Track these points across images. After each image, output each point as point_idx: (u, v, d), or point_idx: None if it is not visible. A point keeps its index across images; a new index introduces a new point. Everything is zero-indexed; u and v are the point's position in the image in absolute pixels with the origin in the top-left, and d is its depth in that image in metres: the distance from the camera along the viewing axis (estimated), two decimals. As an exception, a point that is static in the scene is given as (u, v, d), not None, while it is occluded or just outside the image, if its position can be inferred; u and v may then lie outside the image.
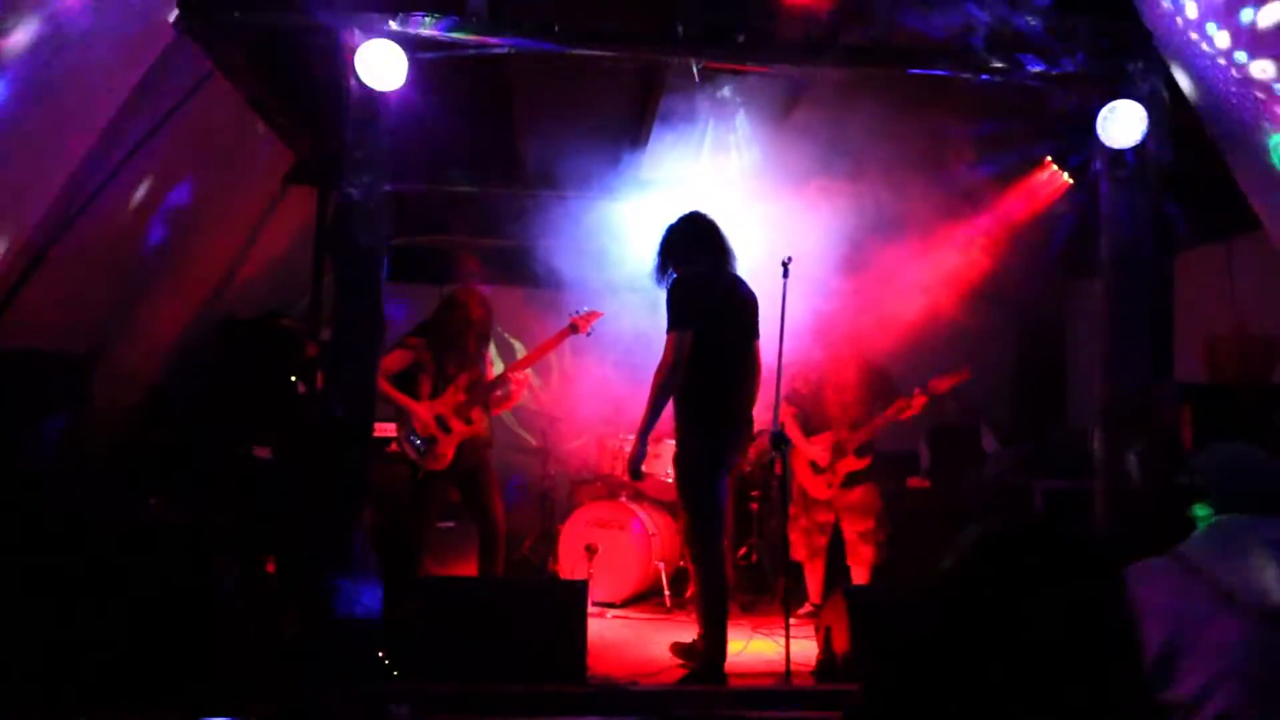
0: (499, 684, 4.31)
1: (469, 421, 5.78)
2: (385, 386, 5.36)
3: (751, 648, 5.45)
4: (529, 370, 6.22)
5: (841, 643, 4.79)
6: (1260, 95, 4.36)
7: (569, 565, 6.58)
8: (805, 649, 4.98)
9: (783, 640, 4.79)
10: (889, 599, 4.88)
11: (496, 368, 6.31)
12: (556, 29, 4.58)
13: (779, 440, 4.99)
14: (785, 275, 4.96)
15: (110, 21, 4.20)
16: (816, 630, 5.19)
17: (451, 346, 5.79)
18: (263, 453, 6.32)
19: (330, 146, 6.28)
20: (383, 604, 4.57)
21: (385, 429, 5.91)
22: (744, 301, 4.98)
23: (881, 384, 6.22)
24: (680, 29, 4.64)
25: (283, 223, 7.03)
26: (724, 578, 4.85)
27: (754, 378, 5.01)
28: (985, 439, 8.08)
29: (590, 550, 6.47)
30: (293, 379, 6.01)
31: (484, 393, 5.87)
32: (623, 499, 6.90)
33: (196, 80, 4.98)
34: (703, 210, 5.05)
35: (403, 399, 5.65)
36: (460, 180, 6.24)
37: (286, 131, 6.12)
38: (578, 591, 4.74)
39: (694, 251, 4.93)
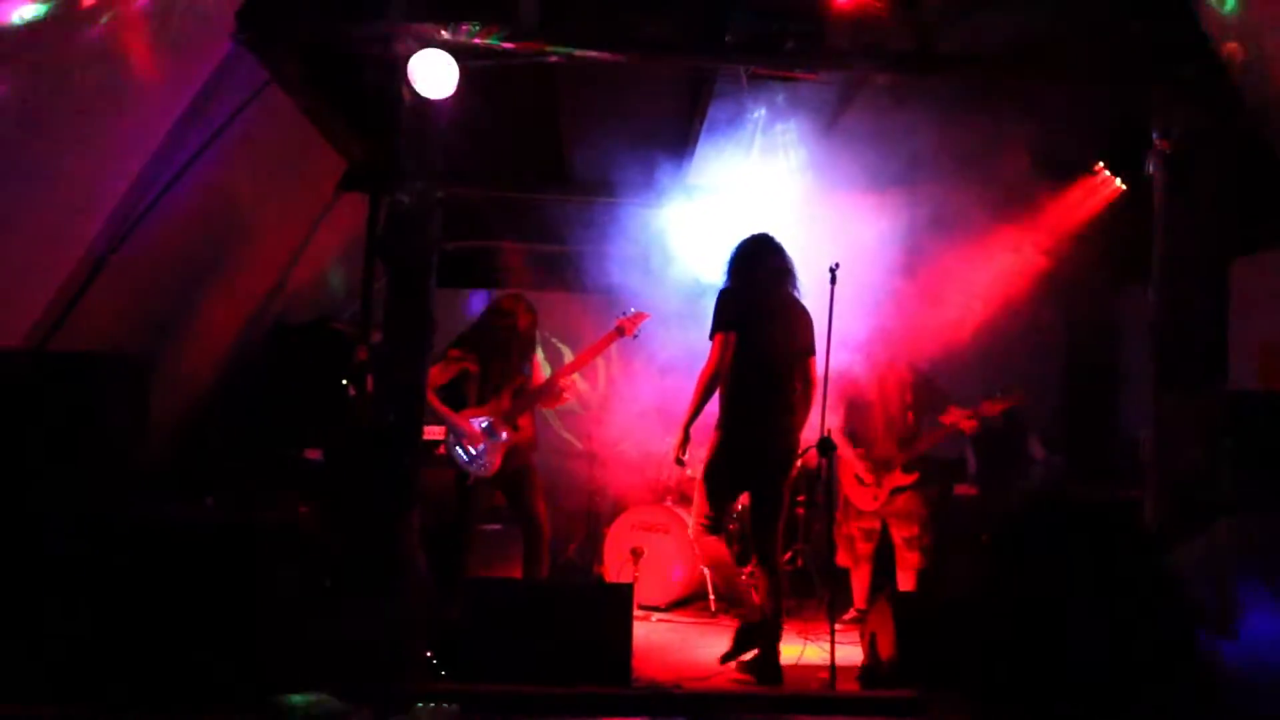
0: (544, 685, 4.36)
1: (516, 428, 5.82)
2: (431, 399, 5.34)
3: (807, 654, 5.43)
4: (576, 374, 6.25)
5: (887, 648, 4.78)
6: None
7: (614, 568, 6.62)
8: (850, 654, 4.99)
9: (823, 646, 4.87)
10: (933, 605, 4.88)
11: (545, 371, 6.33)
12: (605, 38, 4.62)
13: (826, 445, 5.01)
14: (833, 281, 4.96)
15: (170, 32, 4.32)
16: (861, 636, 5.18)
17: (497, 354, 5.82)
18: (314, 455, 6.44)
19: (381, 154, 6.44)
20: (431, 605, 4.64)
21: (433, 432, 5.98)
22: (793, 318, 5.08)
23: (930, 395, 6.21)
24: (729, 37, 4.66)
25: (334, 229, 7.14)
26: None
27: (796, 395, 5.07)
28: (1033, 446, 8.00)
29: (636, 554, 6.52)
30: (344, 383, 6.09)
31: (531, 399, 5.91)
32: (668, 503, 6.92)
33: (253, 91, 5.08)
34: (769, 233, 5.18)
35: (449, 413, 5.69)
36: (509, 186, 6.28)
37: (339, 139, 6.23)
38: (623, 595, 4.77)
39: (750, 267, 5.09)
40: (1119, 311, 8.51)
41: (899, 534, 6.20)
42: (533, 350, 6.07)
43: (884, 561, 6.32)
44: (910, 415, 6.18)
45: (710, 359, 4.95)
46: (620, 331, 5.98)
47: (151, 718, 3.68)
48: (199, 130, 4.92)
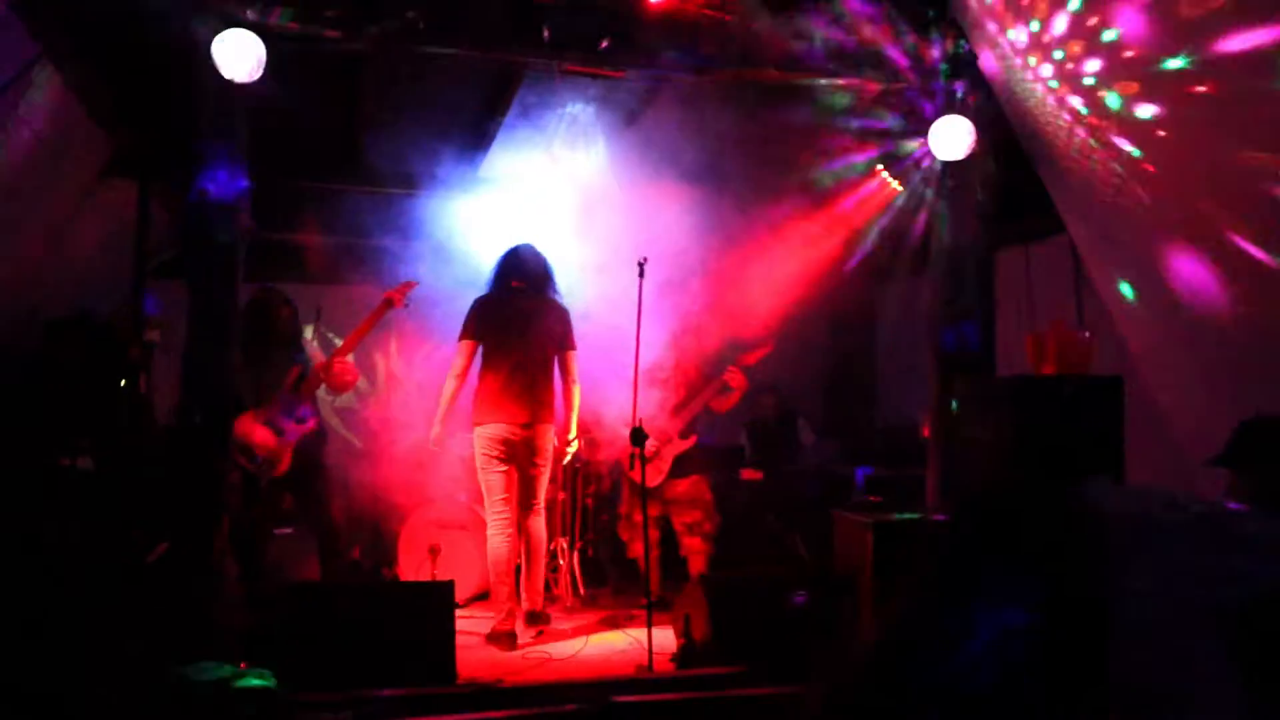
0: (371, 689, 4.24)
1: (301, 420, 5.64)
2: None
3: (593, 641, 5.62)
4: (350, 355, 6.00)
5: (700, 629, 4.97)
6: (1068, 118, 4.84)
7: (411, 567, 6.48)
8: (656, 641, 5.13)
9: (627, 632, 5.44)
10: (744, 584, 5.10)
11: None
12: (422, 26, 4.54)
13: (638, 435, 5.15)
14: (641, 275, 5.13)
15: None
16: (673, 621, 5.35)
17: (262, 351, 5.61)
18: (83, 463, 5.93)
19: (153, 137, 6.02)
20: (242, 615, 4.41)
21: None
22: (545, 321, 5.64)
23: (709, 368, 6.33)
24: (546, 33, 4.69)
25: (96, 218, 6.59)
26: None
27: (552, 391, 5.70)
28: (803, 431, 8.50)
29: (434, 551, 6.41)
30: (121, 383, 5.65)
31: (312, 386, 5.73)
32: (463, 498, 6.85)
33: (22, 65, 4.63)
34: (528, 243, 5.73)
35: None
36: (303, 175, 6.02)
37: (107, 120, 5.75)
38: (446, 592, 4.72)
39: (502, 275, 5.71)
40: (875, 304, 9.18)
41: (681, 520, 6.27)
42: (299, 340, 5.91)
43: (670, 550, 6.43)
44: (687, 390, 6.28)
45: (453, 362, 5.66)
46: (389, 303, 5.90)
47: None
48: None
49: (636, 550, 6.43)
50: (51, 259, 6.41)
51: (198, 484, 4.26)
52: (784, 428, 8.38)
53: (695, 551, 6.30)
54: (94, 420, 5.72)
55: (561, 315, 5.70)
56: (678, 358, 6.19)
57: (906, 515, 4.44)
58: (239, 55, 4.31)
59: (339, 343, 6.05)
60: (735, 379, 6.12)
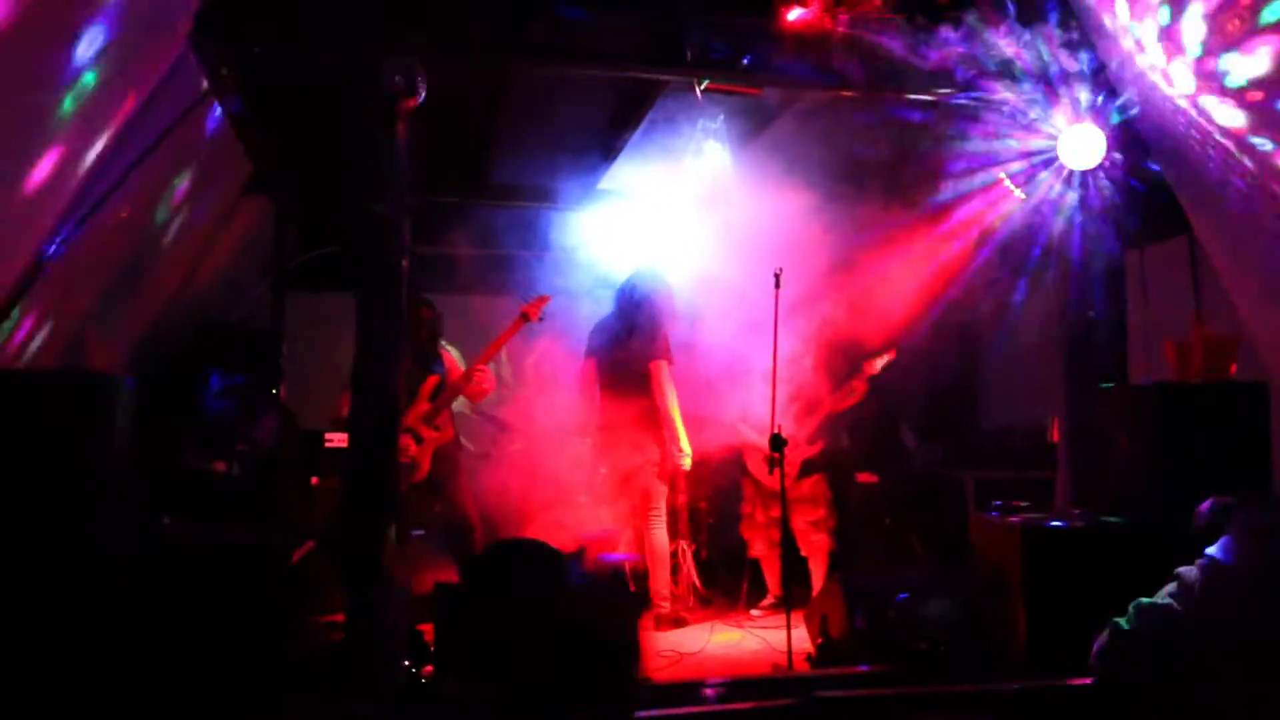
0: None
1: (437, 428, 5.85)
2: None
3: (716, 639, 5.80)
4: (491, 364, 6.23)
5: (838, 628, 5.08)
6: (1204, 124, 4.87)
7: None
8: (776, 639, 5.34)
9: (751, 630, 5.84)
10: (882, 585, 5.17)
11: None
12: (577, 49, 4.73)
13: (777, 441, 5.28)
14: (777, 285, 5.25)
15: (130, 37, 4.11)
16: (808, 619, 5.47)
17: (411, 358, 5.73)
18: (220, 466, 6.20)
19: (292, 157, 6.28)
20: (409, 617, 4.63)
21: (339, 439, 5.88)
22: (634, 338, 6.12)
23: (836, 374, 6.47)
24: (689, 53, 4.85)
25: (234, 233, 6.89)
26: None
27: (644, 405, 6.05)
28: (905, 434, 8.56)
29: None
30: (274, 390, 5.91)
31: (450, 395, 5.94)
32: (583, 499, 7.00)
33: (195, 98, 4.90)
34: (644, 269, 6.22)
35: None
36: (442, 192, 6.25)
37: (255, 142, 6.01)
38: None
39: (615, 299, 6.26)
40: (977, 308, 9.18)
41: (804, 518, 6.40)
42: (438, 348, 6.10)
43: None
44: (810, 390, 6.38)
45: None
46: (525, 318, 6.10)
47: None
48: (141, 135, 4.70)
49: (758, 550, 6.57)
50: (197, 270, 6.72)
51: (370, 489, 4.45)
52: (885, 431, 8.44)
53: (818, 549, 6.41)
54: (248, 426, 6.01)
55: (646, 331, 6.08)
56: (809, 365, 6.29)
57: (1054, 522, 4.51)
58: (410, 82, 4.49)
59: (453, 352, 6.30)
60: (859, 388, 6.22)
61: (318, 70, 4.73)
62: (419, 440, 5.78)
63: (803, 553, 6.47)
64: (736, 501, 6.86)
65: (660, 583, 6.10)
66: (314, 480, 6.21)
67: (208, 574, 3.78)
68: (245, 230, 7.04)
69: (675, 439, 6.02)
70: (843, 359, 6.39)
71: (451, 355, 6.42)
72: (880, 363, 6.39)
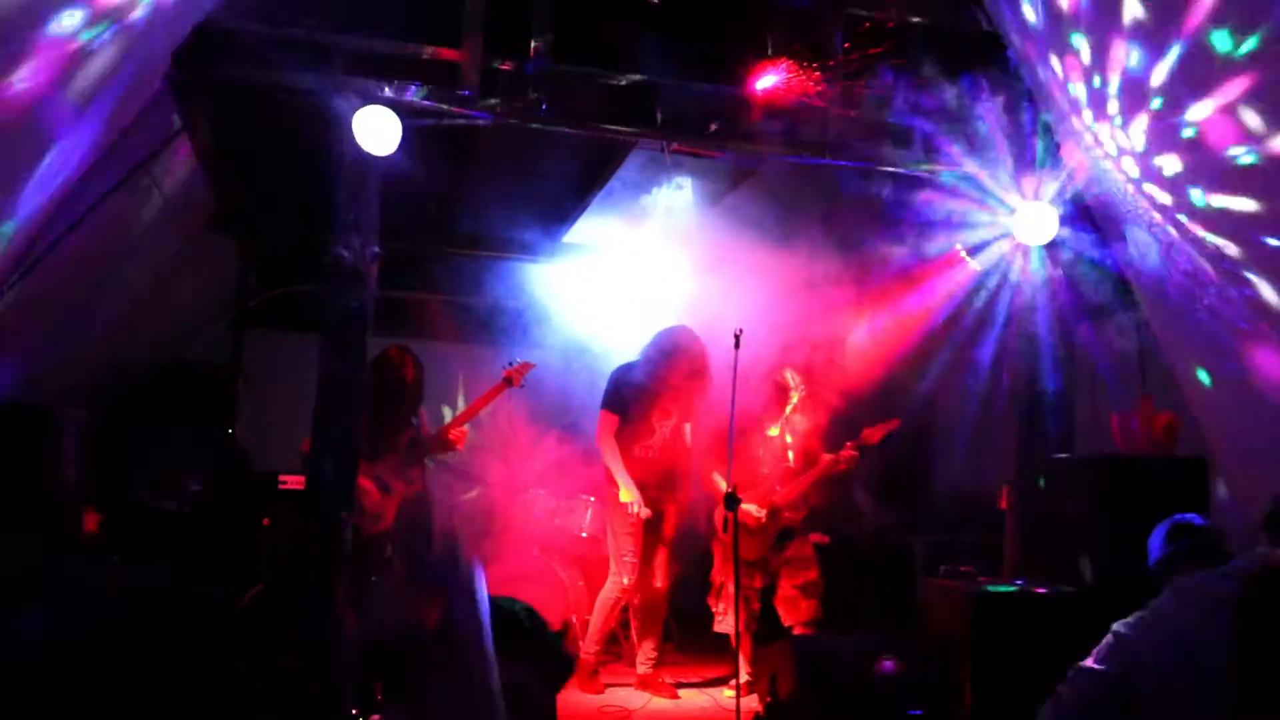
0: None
1: (409, 481, 5.82)
2: None
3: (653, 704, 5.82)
4: (466, 429, 6.24)
5: (787, 689, 5.09)
6: (1155, 213, 5.05)
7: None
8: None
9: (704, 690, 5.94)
10: (833, 647, 5.16)
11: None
12: (544, 105, 4.81)
13: (731, 500, 5.21)
14: (736, 347, 5.24)
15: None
16: (755, 679, 5.47)
17: (386, 407, 5.77)
18: (170, 504, 6.13)
19: (255, 198, 6.30)
20: (358, 663, 4.59)
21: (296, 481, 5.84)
22: (675, 396, 6.04)
23: (827, 441, 6.23)
24: (659, 115, 4.96)
25: (195, 270, 6.87)
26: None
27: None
28: (858, 495, 8.62)
29: (507, 606, 6.54)
30: (229, 431, 5.88)
31: (424, 450, 5.93)
32: (535, 552, 7.01)
33: (167, 135, 4.93)
34: (683, 325, 6.08)
35: None
36: (403, 238, 6.28)
37: (223, 181, 6.03)
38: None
39: (647, 353, 6.08)
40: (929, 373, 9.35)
41: (791, 583, 6.05)
42: (420, 402, 6.08)
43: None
44: (803, 458, 6.14)
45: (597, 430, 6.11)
46: (508, 382, 6.13)
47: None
48: (111, 170, 4.72)
49: (725, 625, 5.94)
50: (155, 307, 6.69)
51: (324, 533, 4.44)
52: (839, 490, 8.49)
53: (803, 614, 6.00)
54: (202, 464, 5.95)
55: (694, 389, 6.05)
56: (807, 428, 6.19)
57: (1003, 588, 4.59)
58: (377, 130, 4.56)
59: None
60: (849, 456, 6.04)
61: (288, 112, 4.72)
62: (386, 490, 5.72)
63: (785, 622, 6.05)
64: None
65: (589, 637, 6.14)
66: (265, 522, 6.14)
67: (153, 617, 3.73)
68: (207, 268, 7.04)
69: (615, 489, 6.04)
70: (830, 427, 6.27)
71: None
72: (880, 433, 6.14)
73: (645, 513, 5.97)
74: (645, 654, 6.12)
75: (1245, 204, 4.38)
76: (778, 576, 6.11)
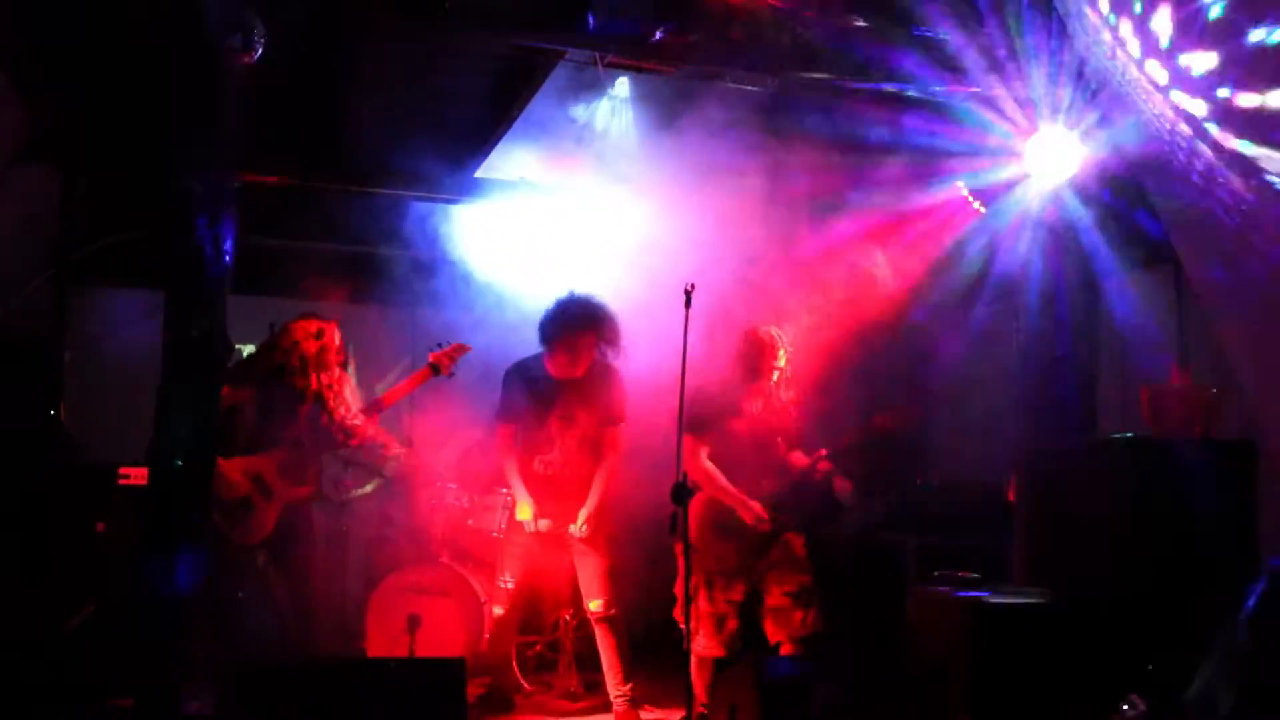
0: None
1: (301, 482, 5.72)
2: None
3: None
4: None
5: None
6: (1189, 131, 5.09)
7: (384, 641, 6.55)
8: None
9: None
10: (803, 671, 5.15)
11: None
12: (450, 5, 4.72)
13: (680, 492, 5.06)
14: (688, 304, 5.12)
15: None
16: (711, 712, 5.47)
17: (277, 390, 5.70)
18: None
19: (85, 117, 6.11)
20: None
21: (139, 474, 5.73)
22: (586, 394, 5.91)
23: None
24: (592, 20, 4.88)
25: (4, 211, 6.67)
26: None
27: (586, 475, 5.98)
28: (839, 487, 8.63)
29: (413, 622, 6.47)
30: (51, 411, 5.73)
31: (326, 443, 5.82)
32: (445, 559, 6.95)
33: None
34: (575, 293, 5.81)
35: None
36: (290, 173, 6.15)
37: (39, 94, 5.82)
38: (456, 671, 4.83)
39: (545, 337, 5.83)
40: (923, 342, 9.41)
41: (782, 589, 5.71)
42: (333, 385, 5.88)
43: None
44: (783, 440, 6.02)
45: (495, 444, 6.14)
46: (435, 370, 6.00)
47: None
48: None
49: (699, 645, 5.65)
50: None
51: (171, 540, 4.34)
52: (817, 484, 8.50)
53: (794, 626, 5.68)
54: (17, 455, 5.78)
55: (612, 382, 5.96)
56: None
57: (1009, 599, 4.63)
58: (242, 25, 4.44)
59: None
60: (824, 467, 6.00)
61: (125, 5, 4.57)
62: (267, 495, 5.61)
63: (773, 639, 5.74)
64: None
65: None
66: (99, 526, 6.01)
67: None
68: (19, 208, 6.82)
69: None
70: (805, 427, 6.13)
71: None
72: (891, 421, 6.02)
73: (543, 526, 5.91)
74: (612, 689, 6.01)
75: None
76: (763, 584, 5.75)
